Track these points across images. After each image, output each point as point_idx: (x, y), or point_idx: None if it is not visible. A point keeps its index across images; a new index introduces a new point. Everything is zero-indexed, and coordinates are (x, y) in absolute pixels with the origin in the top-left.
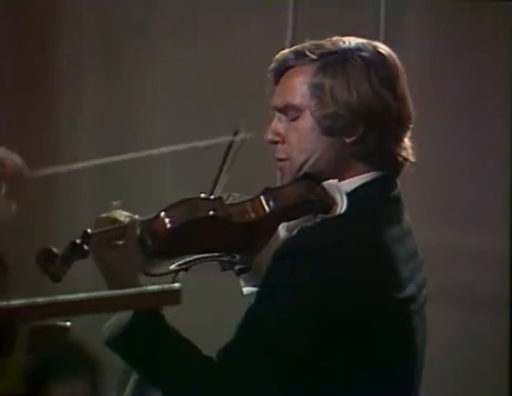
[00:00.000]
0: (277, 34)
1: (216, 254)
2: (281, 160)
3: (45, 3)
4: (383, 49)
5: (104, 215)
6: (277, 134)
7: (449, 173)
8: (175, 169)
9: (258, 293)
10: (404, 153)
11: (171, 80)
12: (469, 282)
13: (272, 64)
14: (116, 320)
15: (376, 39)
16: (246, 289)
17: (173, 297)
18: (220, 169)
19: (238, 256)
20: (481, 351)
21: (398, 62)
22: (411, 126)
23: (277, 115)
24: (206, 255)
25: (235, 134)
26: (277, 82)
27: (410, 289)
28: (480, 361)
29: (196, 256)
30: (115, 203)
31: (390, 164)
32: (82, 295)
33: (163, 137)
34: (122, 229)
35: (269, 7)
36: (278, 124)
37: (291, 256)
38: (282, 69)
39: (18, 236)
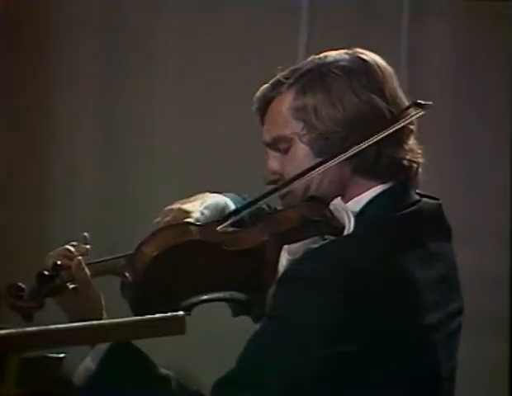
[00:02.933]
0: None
1: (221, 294)
2: (285, 196)
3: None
4: (365, 54)
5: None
6: (275, 173)
7: (448, 190)
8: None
9: (263, 319)
10: (409, 156)
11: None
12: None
13: (254, 105)
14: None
15: (398, 48)
16: None
17: (177, 326)
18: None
19: (246, 296)
20: (481, 374)
21: (384, 64)
22: (413, 127)
23: (270, 153)
24: (212, 295)
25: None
26: (263, 120)
27: (434, 316)
28: (480, 384)
29: (202, 298)
30: (86, 234)
31: (397, 173)
32: (76, 324)
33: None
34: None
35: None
36: (273, 162)
37: (296, 280)
38: (264, 105)
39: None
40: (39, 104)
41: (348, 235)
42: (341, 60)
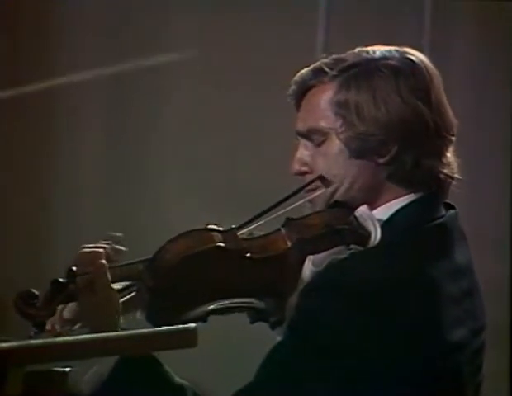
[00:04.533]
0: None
1: (239, 301)
2: (309, 191)
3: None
4: (413, 54)
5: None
6: (304, 164)
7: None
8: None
9: (284, 332)
10: (446, 170)
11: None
12: None
13: (291, 87)
14: (96, 373)
15: (420, 47)
16: None
17: (188, 338)
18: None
19: (265, 303)
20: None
21: (432, 68)
22: (454, 138)
23: (302, 141)
24: (228, 301)
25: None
26: (298, 106)
27: (459, 334)
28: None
29: (218, 304)
30: (118, 234)
31: (431, 184)
32: (82, 337)
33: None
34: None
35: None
36: (304, 152)
37: (320, 292)
38: (302, 91)
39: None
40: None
41: (376, 246)
42: (390, 58)
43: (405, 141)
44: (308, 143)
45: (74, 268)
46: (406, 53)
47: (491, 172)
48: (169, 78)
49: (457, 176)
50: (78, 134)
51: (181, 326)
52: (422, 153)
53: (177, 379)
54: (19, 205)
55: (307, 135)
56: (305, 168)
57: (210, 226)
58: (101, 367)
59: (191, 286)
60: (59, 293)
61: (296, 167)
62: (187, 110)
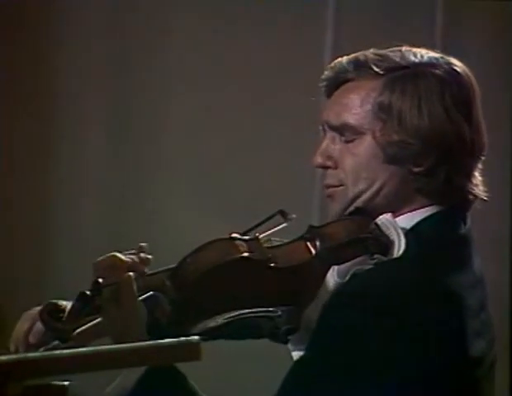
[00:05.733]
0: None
1: (254, 311)
2: (331, 186)
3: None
4: (459, 66)
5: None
6: (329, 158)
7: None
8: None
9: (307, 347)
10: (475, 191)
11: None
12: None
13: (326, 73)
14: (118, 386)
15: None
16: (296, 354)
17: (191, 352)
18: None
19: (281, 313)
20: None
21: (474, 82)
22: (483, 158)
23: (329, 134)
24: (243, 312)
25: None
26: (330, 94)
27: (479, 347)
28: None
29: (230, 315)
30: (143, 244)
31: (456, 200)
32: (82, 350)
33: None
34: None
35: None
36: (331, 145)
37: (345, 305)
38: (339, 81)
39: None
40: (42, 114)
41: (400, 257)
42: (437, 66)
43: (441, 155)
44: (337, 137)
45: (100, 280)
46: (452, 63)
47: (491, 172)
48: (173, 79)
49: (483, 197)
50: (80, 137)
51: (183, 338)
52: (455, 169)
53: (201, 394)
54: (20, 208)
55: (339, 129)
56: (329, 162)
57: (233, 235)
58: (124, 380)
59: (213, 297)
60: (86, 305)
61: (320, 160)
62: (190, 113)
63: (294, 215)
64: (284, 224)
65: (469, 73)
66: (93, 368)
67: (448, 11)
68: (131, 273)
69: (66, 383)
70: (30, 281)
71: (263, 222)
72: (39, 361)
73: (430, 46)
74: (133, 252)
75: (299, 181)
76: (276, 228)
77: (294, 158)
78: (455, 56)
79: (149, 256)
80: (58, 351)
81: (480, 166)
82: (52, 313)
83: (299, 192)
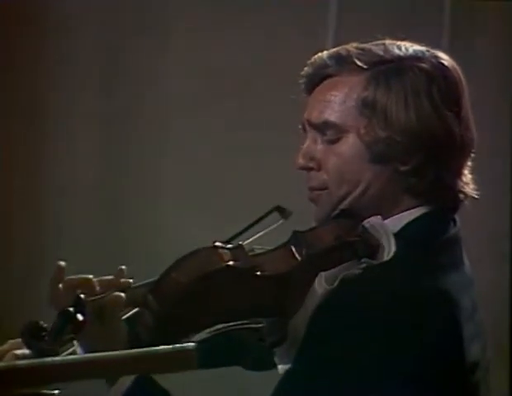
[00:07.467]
0: None
1: (239, 323)
2: (315, 189)
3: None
4: (446, 59)
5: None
6: (312, 159)
7: None
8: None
9: (295, 356)
10: (465, 190)
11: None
12: None
13: (307, 69)
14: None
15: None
16: (281, 368)
17: (186, 360)
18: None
19: (267, 322)
20: None
21: (462, 76)
22: (473, 155)
23: (311, 133)
24: (228, 325)
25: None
26: (310, 91)
27: (474, 351)
28: None
29: (213, 329)
30: (123, 267)
31: (446, 200)
32: (74, 357)
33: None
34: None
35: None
36: (313, 145)
37: (335, 313)
38: (320, 77)
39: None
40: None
41: (390, 261)
42: (423, 60)
43: (429, 152)
44: (318, 137)
45: (82, 295)
46: (438, 57)
47: (491, 172)
48: (173, 82)
49: (474, 195)
50: (75, 135)
51: (178, 345)
52: (444, 167)
53: None
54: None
55: (320, 128)
56: (312, 164)
57: (216, 243)
58: (120, 387)
59: (197, 309)
60: (69, 323)
61: (302, 161)
62: (188, 114)
63: (291, 211)
64: (281, 221)
65: (456, 67)
66: (85, 376)
67: (456, 9)
68: (122, 294)
69: (56, 391)
70: (25, 283)
71: (259, 220)
72: (29, 370)
73: (436, 46)
74: (111, 278)
75: (294, 188)
76: (273, 226)
77: (288, 164)
78: (463, 56)
79: (130, 280)
80: (49, 359)
81: (469, 163)
82: (34, 333)
83: (299, 192)
